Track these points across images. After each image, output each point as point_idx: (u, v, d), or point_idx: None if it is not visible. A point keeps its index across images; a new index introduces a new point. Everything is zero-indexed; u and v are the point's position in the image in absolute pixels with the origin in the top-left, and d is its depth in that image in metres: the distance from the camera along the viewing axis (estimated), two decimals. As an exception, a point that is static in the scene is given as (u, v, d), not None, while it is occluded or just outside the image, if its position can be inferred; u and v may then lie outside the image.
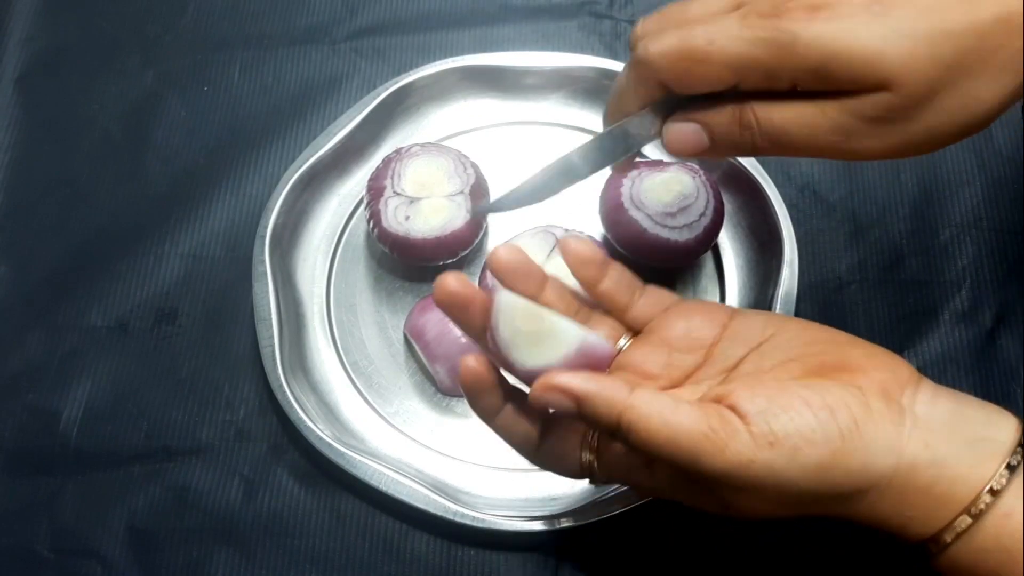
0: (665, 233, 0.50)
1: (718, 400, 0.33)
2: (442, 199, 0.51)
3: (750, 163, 0.53)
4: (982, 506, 0.32)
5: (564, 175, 0.40)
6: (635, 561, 0.48)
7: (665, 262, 0.52)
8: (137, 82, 0.61)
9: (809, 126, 0.34)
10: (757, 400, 0.33)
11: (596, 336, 0.35)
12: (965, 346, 0.52)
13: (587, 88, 0.58)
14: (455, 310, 0.36)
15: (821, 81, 0.33)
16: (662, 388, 0.38)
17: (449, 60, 0.57)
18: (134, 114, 0.60)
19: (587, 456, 0.38)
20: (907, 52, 0.32)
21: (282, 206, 0.53)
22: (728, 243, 0.55)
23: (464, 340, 0.49)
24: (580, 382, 0.33)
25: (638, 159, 0.52)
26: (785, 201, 0.53)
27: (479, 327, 0.37)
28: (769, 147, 0.35)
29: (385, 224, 0.51)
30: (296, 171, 0.54)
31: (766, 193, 0.52)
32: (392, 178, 0.52)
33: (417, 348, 0.51)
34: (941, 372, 0.51)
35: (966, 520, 0.32)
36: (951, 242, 0.55)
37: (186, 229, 0.56)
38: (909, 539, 0.34)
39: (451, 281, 0.36)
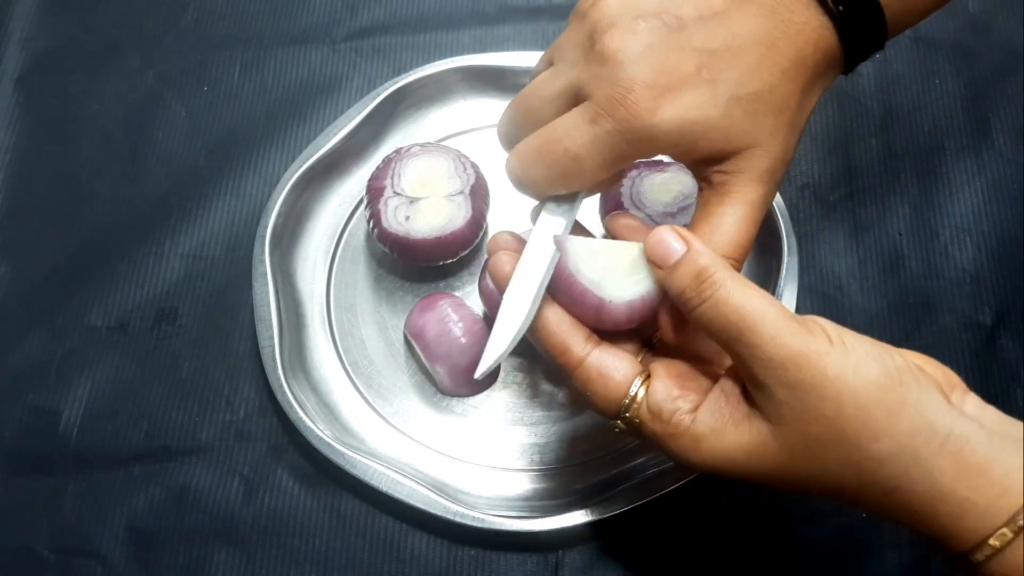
0: None
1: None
2: (442, 199, 0.51)
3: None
4: (996, 546, 0.31)
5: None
6: (635, 561, 0.48)
7: None
8: (137, 82, 0.61)
9: (751, 219, 0.37)
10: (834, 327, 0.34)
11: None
12: (965, 346, 0.52)
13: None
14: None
15: (686, 152, 0.36)
16: (712, 373, 0.38)
17: (449, 60, 0.57)
18: (134, 114, 0.60)
19: (637, 385, 0.36)
20: (747, 114, 0.36)
21: (282, 206, 0.53)
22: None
23: (464, 340, 0.49)
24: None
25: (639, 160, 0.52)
26: (785, 201, 0.53)
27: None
28: (743, 262, 0.38)
29: (385, 224, 0.51)
30: (296, 171, 0.54)
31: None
32: (392, 178, 0.52)
33: (417, 348, 0.51)
34: (941, 372, 0.51)
35: (986, 551, 0.31)
36: (951, 242, 0.55)
37: (186, 229, 0.56)
38: (960, 540, 0.32)
39: (503, 258, 0.37)
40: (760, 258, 0.53)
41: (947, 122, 0.58)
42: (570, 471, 0.50)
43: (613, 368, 0.36)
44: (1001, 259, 0.54)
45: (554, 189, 0.38)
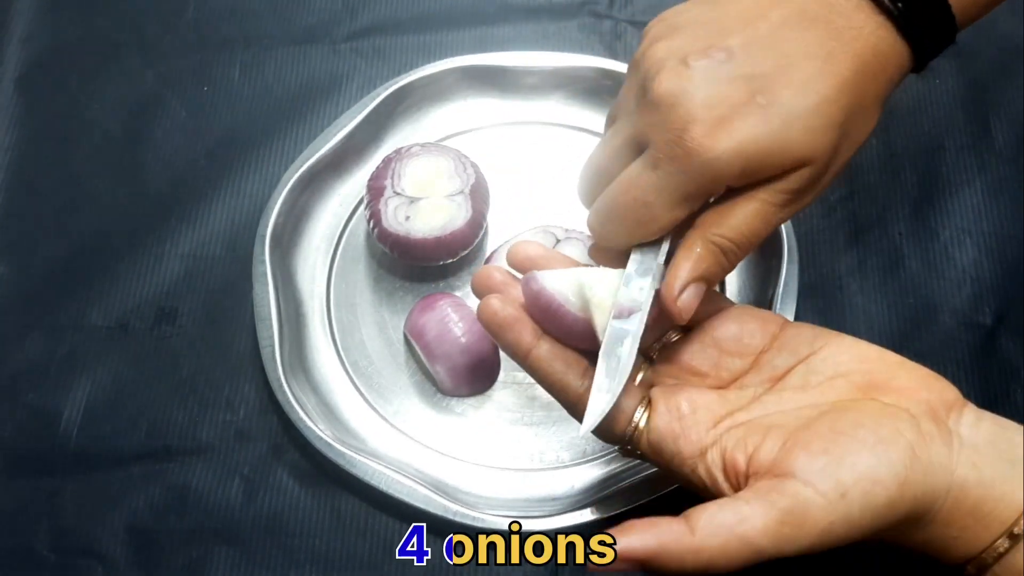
0: None
1: (775, 473, 0.33)
2: (442, 199, 0.51)
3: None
4: (1021, 528, 0.32)
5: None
6: (635, 561, 0.48)
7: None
8: (137, 82, 0.61)
9: (761, 217, 0.37)
10: (816, 459, 0.33)
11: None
12: (965, 346, 0.52)
13: (587, 88, 0.58)
14: (501, 331, 0.38)
15: (750, 179, 0.36)
16: (710, 387, 0.38)
17: (449, 60, 0.57)
18: (134, 114, 0.60)
19: (639, 414, 0.37)
20: (806, 130, 0.35)
21: (282, 206, 0.53)
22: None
23: (464, 340, 0.49)
24: (643, 543, 0.34)
25: None
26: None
27: (527, 345, 0.38)
28: (744, 253, 0.38)
29: (385, 224, 0.51)
30: (296, 171, 0.54)
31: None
32: (392, 178, 0.52)
33: (417, 348, 0.51)
34: (941, 372, 0.50)
35: (1005, 543, 0.32)
36: (951, 242, 0.55)
37: (186, 229, 0.56)
38: (950, 561, 0.34)
39: (494, 304, 0.38)
40: (760, 258, 0.53)
41: (947, 122, 0.58)
42: (570, 471, 0.50)
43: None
44: (1001, 259, 0.54)
45: (635, 238, 0.38)
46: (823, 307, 0.53)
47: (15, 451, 0.51)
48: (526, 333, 0.38)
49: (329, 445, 0.48)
